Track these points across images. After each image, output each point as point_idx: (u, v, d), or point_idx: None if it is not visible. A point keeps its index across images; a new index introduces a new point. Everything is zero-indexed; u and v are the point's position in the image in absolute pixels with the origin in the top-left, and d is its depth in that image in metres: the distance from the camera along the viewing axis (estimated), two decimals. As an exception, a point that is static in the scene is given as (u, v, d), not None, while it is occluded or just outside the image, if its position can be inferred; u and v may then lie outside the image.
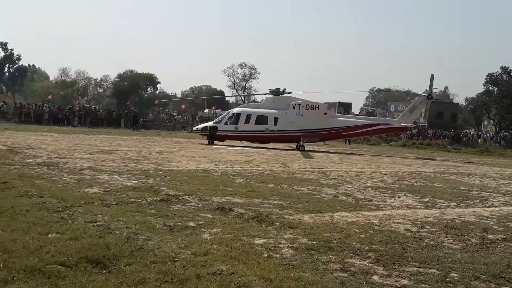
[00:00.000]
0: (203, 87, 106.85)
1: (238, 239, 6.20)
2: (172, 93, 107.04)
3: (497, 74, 58.36)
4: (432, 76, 31.29)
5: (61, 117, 44.66)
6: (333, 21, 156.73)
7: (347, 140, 42.14)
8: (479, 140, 52.44)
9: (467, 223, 8.47)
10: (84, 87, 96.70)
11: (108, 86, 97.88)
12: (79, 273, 4.58)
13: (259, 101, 50.76)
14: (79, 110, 48.01)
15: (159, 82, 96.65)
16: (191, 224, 6.88)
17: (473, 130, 68.10)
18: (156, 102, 63.84)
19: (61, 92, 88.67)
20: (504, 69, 57.81)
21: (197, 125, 37.13)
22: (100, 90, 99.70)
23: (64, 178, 10.50)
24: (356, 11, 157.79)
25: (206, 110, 68.47)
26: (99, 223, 6.53)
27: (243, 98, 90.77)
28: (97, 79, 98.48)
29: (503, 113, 57.40)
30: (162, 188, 9.91)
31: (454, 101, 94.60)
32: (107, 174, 11.59)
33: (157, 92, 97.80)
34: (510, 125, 60.49)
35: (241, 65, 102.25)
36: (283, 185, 11.87)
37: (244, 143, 29.96)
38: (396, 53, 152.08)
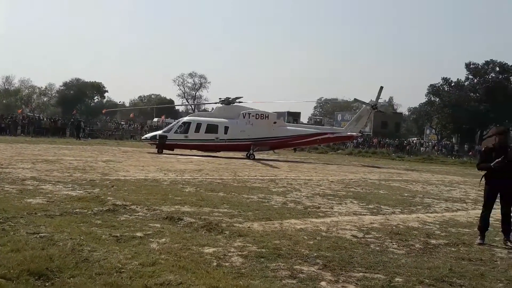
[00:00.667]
0: (152, 96, 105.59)
1: (187, 249, 6.13)
2: (120, 101, 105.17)
3: (439, 84, 60.60)
4: (381, 88, 32.22)
5: (3, 126, 42.88)
6: (281, 29, 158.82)
7: (295, 149, 42.60)
8: (422, 148, 54.31)
9: (411, 229, 8.71)
10: (28, 95, 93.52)
11: (53, 94, 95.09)
12: (21, 286, 4.39)
13: (210, 110, 50.68)
14: (22, 119, 46.27)
15: (107, 91, 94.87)
16: (138, 234, 6.74)
17: (416, 138, 70.49)
18: (103, 110, 62.41)
19: (4, 101, 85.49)
20: (445, 80, 60.15)
21: (146, 134, 36.56)
22: (45, 99, 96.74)
23: (6, 189, 10.07)
24: (302, 18, 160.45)
25: (155, 119, 67.56)
26: (42, 234, 6.29)
27: (193, 107, 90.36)
28: (41, 87, 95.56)
29: (444, 123, 59.62)
30: (108, 198, 9.68)
31: (398, 111, 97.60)
32: (51, 184, 11.21)
33: (105, 100, 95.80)
34: (451, 134, 62.93)
35: (191, 74, 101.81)
36: (233, 193, 11.84)
37: (194, 152, 29.75)
38: (343, 63, 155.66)
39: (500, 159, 7.69)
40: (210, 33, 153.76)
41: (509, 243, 7.78)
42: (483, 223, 8.04)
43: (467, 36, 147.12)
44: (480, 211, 8.39)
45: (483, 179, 8.12)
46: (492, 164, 7.77)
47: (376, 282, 5.31)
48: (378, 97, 32.38)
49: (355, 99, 32.18)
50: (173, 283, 4.75)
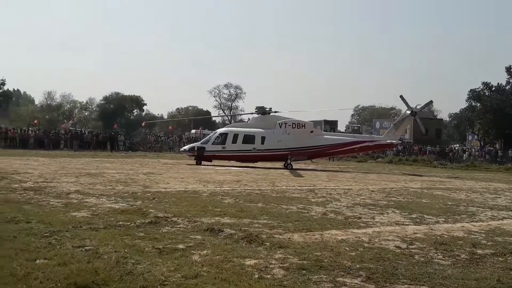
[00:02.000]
0: (190, 108, 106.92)
1: (228, 260, 6.16)
2: (158, 114, 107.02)
3: (479, 89, 59.24)
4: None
5: (47, 141, 44.28)
6: (316, 40, 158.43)
7: (332, 158, 42.25)
8: (464, 155, 52.96)
9: (456, 239, 8.49)
10: (69, 110, 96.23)
11: (94, 109, 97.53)
12: (68, 300, 4.50)
13: (246, 120, 50.89)
14: (65, 134, 47.67)
15: (145, 104, 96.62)
16: (180, 246, 6.81)
17: (458, 145, 68.81)
18: (143, 123, 63.62)
19: (47, 116, 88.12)
20: (486, 84, 58.72)
21: (184, 145, 37.04)
22: (86, 113, 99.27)
23: (51, 203, 10.38)
24: (338, 29, 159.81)
25: (193, 131, 68.41)
26: (87, 247, 6.44)
27: (229, 118, 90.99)
28: (82, 102, 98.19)
29: (487, 128, 58.12)
30: (150, 210, 9.83)
31: (438, 117, 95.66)
32: (94, 198, 11.48)
33: (143, 113, 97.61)
34: (494, 140, 61.20)
35: (226, 85, 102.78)
36: (272, 204, 11.84)
37: (232, 162, 29.92)
38: (380, 71, 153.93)
39: None
40: (244, 45, 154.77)
41: None
42: None
43: (507, 38, 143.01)
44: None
45: None
46: None
47: (422, 295, 5.19)
48: (407, 104, 31.84)
49: (401, 96, 31.53)
50: (216, 296, 4.78)
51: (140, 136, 60.20)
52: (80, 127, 76.49)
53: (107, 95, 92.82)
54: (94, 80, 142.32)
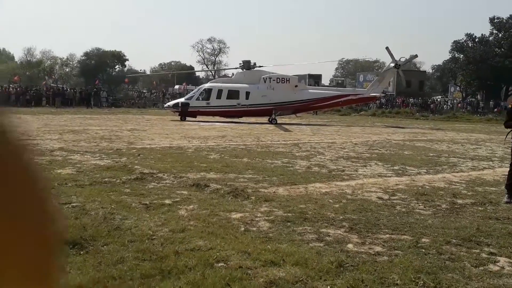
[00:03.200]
0: (172, 63, 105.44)
1: (215, 215, 6.24)
2: (141, 70, 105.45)
3: (463, 41, 59.06)
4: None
5: (28, 98, 43.55)
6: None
7: (316, 112, 42.34)
8: (446, 106, 53.45)
9: (437, 189, 8.69)
10: (50, 66, 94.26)
11: (75, 65, 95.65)
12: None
13: (230, 76, 50.47)
14: (46, 91, 46.88)
15: (127, 59, 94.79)
16: (167, 201, 6.88)
17: (440, 97, 69.28)
18: (126, 79, 62.73)
19: (27, 73, 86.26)
20: (469, 35, 58.51)
21: (168, 101, 36.76)
22: (67, 69, 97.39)
23: (35, 160, 10.30)
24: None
25: (177, 86, 67.67)
26: (74, 204, 6.47)
27: (213, 73, 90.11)
28: (63, 58, 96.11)
29: (469, 79, 58.29)
30: (136, 166, 9.85)
31: (421, 69, 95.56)
32: (79, 155, 11.44)
33: (125, 69, 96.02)
34: (476, 91, 61.64)
35: (210, 40, 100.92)
36: (257, 159, 11.93)
37: (217, 118, 29.87)
38: (362, 24, 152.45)
39: None
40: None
41: None
42: (511, 181, 7.87)
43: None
44: (507, 169, 8.25)
45: (510, 136, 7.84)
46: None
47: (403, 243, 5.35)
48: (392, 56, 31.67)
49: (387, 47, 31.30)
50: (203, 249, 4.87)
51: (123, 92, 59.44)
52: (61, 83, 75.32)
53: (88, 50, 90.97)
54: (73, 34, 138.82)
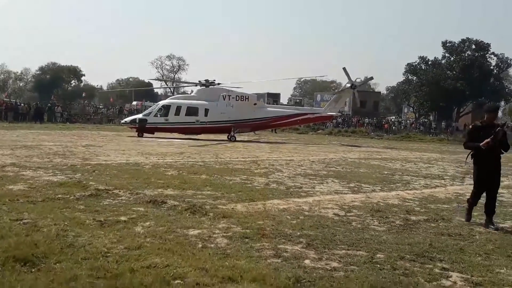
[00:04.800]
0: (131, 79, 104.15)
1: (172, 231, 6.15)
2: (97, 85, 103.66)
3: (416, 63, 61.02)
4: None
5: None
6: (259, 13, 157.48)
7: (274, 130, 42.67)
8: (400, 126, 54.88)
9: (391, 206, 8.87)
10: (3, 81, 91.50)
11: (29, 79, 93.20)
12: (7, 273, 4.37)
13: (189, 92, 50.27)
14: (-2, 105, 45.33)
15: (84, 75, 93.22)
16: (122, 218, 6.74)
17: (394, 117, 71.16)
18: (83, 94, 61.46)
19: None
20: (422, 58, 60.52)
21: (126, 117, 36.26)
22: (21, 84, 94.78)
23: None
24: (280, 3, 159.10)
25: (134, 103, 66.83)
26: (25, 220, 6.25)
27: (172, 89, 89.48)
28: (17, 72, 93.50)
29: (422, 101, 60.17)
30: (90, 183, 9.62)
31: (376, 90, 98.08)
32: (31, 170, 11.09)
33: (82, 84, 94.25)
34: (429, 112, 63.65)
35: (169, 57, 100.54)
36: (215, 175, 11.87)
37: (175, 135, 29.63)
38: (321, 45, 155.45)
39: (489, 139, 7.23)
40: (189, 16, 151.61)
41: (491, 226, 7.38)
42: (474, 199, 7.78)
43: (443, 14, 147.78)
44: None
45: (470, 158, 7.72)
46: (481, 144, 7.31)
47: (359, 259, 5.42)
48: (348, 76, 32.38)
49: (344, 68, 31.89)
50: (159, 266, 4.78)
51: (79, 107, 58.14)
52: (14, 98, 73.06)
53: (43, 65, 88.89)
54: (29, 49, 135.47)
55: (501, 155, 7.62)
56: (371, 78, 38.23)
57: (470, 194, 8.04)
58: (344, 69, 32.16)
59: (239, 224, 6.71)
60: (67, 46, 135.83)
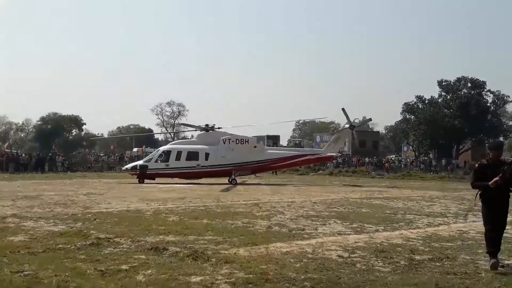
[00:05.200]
0: (131, 126, 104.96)
1: (173, 279, 6.07)
2: (98, 133, 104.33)
3: (413, 103, 61.60)
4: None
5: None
6: (259, 53, 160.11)
7: (275, 172, 42.66)
8: (401, 165, 54.85)
9: (395, 246, 8.76)
10: (4, 132, 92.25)
11: (31, 130, 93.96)
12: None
13: (189, 137, 50.56)
14: (0, 156, 45.50)
15: (85, 123, 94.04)
16: (124, 267, 6.65)
17: (394, 156, 71.20)
18: (85, 142, 61.85)
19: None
20: (419, 97, 61.10)
21: (126, 164, 36.32)
22: (22, 135, 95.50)
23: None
24: (271, 43, 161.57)
25: (135, 149, 67.11)
26: (26, 272, 6.18)
27: (172, 135, 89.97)
28: (18, 123, 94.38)
29: (421, 139, 60.38)
30: (91, 231, 9.56)
31: (375, 129, 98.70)
32: (32, 221, 11.03)
33: (83, 133, 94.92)
34: (428, 150, 63.74)
35: (169, 103, 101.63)
36: (217, 219, 11.80)
37: (176, 180, 29.61)
38: (320, 86, 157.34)
39: (498, 177, 6.99)
40: (184, 63, 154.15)
41: (500, 264, 7.10)
42: (492, 244, 7.19)
43: (438, 54, 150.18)
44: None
45: (478, 197, 7.41)
46: (490, 183, 7.05)
47: (365, 302, 5.31)
48: (347, 117, 32.64)
49: (343, 108, 32.18)
50: (161, 315, 4.69)
51: (80, 156, 58.34)
52: (16, 149, 73.48)
53: (44, 115, 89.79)
54: (30, 98, 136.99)
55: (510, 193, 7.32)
56: (370, 119, 38.63)
57: (485, 242, 7.44)
58: (343, 109, 32.44)
59: (242, 269, 6.62)
60: (69, 93, 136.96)
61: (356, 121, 33.86)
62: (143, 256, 7.38)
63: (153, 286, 5.71)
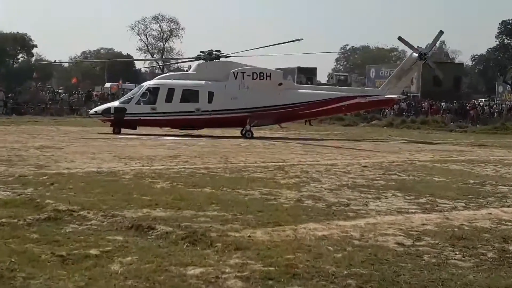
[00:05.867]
0: (102, 51, 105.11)
1: (163, 270, 6.19)
2: (56, 60, 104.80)
3: (516, 20, 60.40)
4: (400, 37, 32.00)
5: None
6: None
7: (308, 121, 42.57)
8: (493, 113, 54.29)
9: (480, 231, 8.77)
10: None
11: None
12: None
13: (185, 69, 50.52)
14: None
15: (36, 46, 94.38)
16: (93, 251, 6.79)
17: (484, 99, 70.49)
18: (34, 74, 62.27)
19: None
20: (524, 13, 60.04)
21: (96, 106, 36.58)
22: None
23: None
24: None
25: (108, 84, 67.54)
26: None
27: (161, 66, 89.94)
28: None
29: (524, 75, 59.69)
30: (47, 201, 9.71)
31: (457, 60, 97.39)
32: (-36, 184, 11.27)
33: (33, 59, 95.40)
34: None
35: (156, 18, 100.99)
36: (225, 188, 11.91)
37: (167, 129, 29.77)
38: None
39: None
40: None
41: None
42: None
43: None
44: None
45: None
46: None
47: (434, 309, 5.38)
48: (433, 44, 32.13)
49: (399, 37, 31.73)
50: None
51: (29, 92, 58.84)
52: None
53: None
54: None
55: None
56: (441, 32, 32.93)
57: None
58: (400, 38, 31.93)
59: (259, 259, 6.71)
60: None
61: (427, 46, 33.19)
62: (120, 237, 7.51)
63: (134, 279, 5.82)
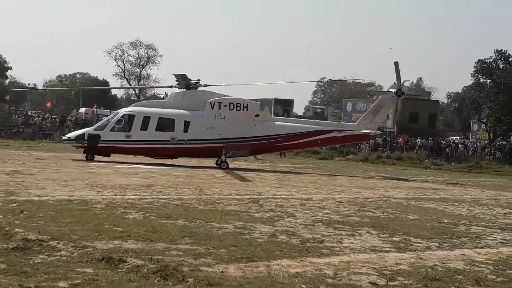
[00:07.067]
0: (77, 75, 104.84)
1: (133, 306, 6.14)
2: (30, 83, 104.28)
3: (491, 60, 61.09)
4: (397, 63, 32.21)
5: None
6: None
7: (283, 153, 42.68)
8: (468, 151, 54.86)
9: (453, 272, 8.81)
10: None
11: None
12: None
13: (162, 97, 50.51)
14: None
15: (10, 68, 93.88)
16: (62, 284, 6.72)
17: (458, 137, 71.26)
18: (7, 96, 61.85)
19: None
20: (500, 53, 60.55)
21: (69, 132, 36.39)
22: None
23: None
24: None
25: (83, 109, 67.26)
26: None
27: (137, 92, 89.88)
28: None
29: (498, 114, 60.02)
30: (16, 229, 9.61)
31: (433, 97, 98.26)
32: None
33: (7, 82, 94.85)
34: (509, 131, 63.25)
35: (134, 44, 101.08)
36: (198, 221, 11.87)
37: (141, 158, 29.67)
38: (354, 32, 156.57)
39: None
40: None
41: None
42: None
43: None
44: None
45: None
46: None
47: None
48: (398, 77, 32.31)
49: (396, 62, 31.16)
50: None
51: (2, 115, 58.40)
52: None
53: None
54: None
55: None
56: (396, 63, 33.43)
57: None
58: (396, 64, 32.02)
59: (232, 297, 6.68)
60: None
61: (407, 84, 33.57)
62: (90, 270, 7.44)
63: (103, 315, 5.77)
